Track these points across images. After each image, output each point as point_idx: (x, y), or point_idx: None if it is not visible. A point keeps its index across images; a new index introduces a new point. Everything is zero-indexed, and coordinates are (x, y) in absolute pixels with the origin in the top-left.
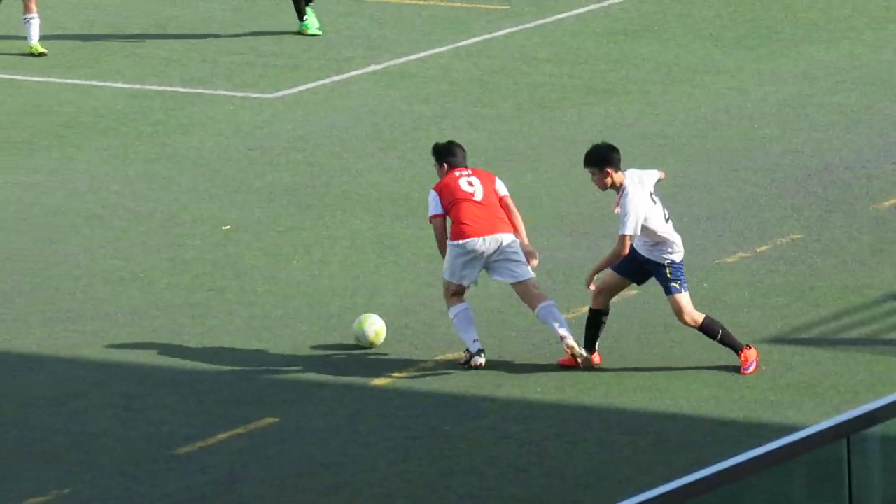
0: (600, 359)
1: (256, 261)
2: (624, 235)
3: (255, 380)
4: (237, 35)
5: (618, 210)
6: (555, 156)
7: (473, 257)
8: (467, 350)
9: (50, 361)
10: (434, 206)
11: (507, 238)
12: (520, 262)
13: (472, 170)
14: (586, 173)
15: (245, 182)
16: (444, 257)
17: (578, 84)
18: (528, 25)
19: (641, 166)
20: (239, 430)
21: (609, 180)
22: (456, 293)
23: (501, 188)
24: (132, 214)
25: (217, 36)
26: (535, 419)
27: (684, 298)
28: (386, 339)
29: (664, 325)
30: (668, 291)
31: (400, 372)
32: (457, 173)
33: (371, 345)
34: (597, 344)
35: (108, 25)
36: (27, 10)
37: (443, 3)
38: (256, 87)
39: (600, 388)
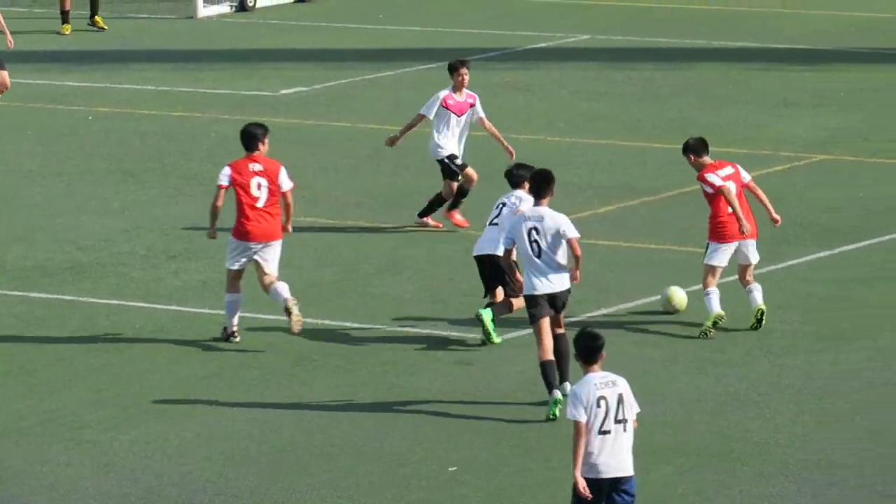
0: None
1: (481, 502)
2: None
3: None
4: (468, 275)
5: None
6: (782, 402)
7: None
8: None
9: None
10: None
11: None
12: None
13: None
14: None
15: (472, 424)
16: None
17: (808, 331)
18: (759, 271)
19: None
20: None
21: None
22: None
23: None
24: (360, 453)
25: (450, 278)
26: None
27: None
28: None
29: None
30: None
31: None
32: None
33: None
34: None
35: (342, 265)
36: (707, 284)
37: (675, 248)
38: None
39: None
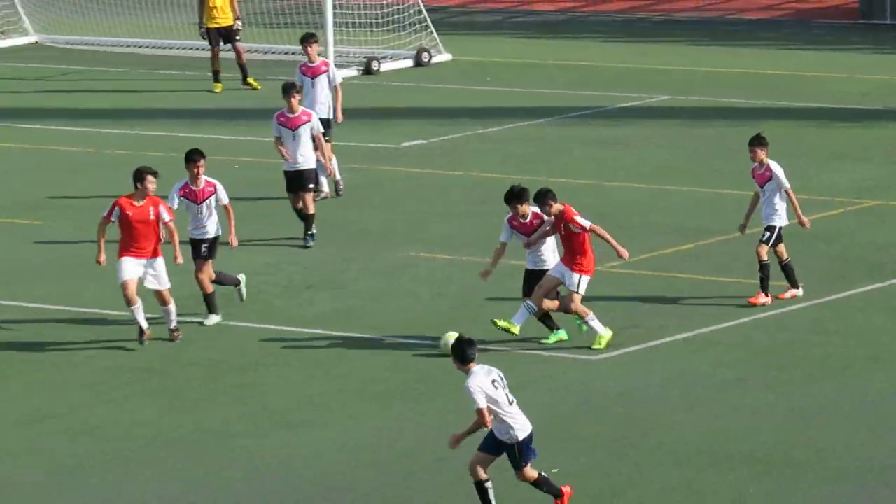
0: None
1: None
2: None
3: None
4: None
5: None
6: (839, 417)
7: None
8: None
9: None
10: None
11: None
12: None
13: None
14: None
15: (572, 431)
16: None
17: (863, 354)
18: (818, 301)
19: None
20: None
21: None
22: None
23: None
24: None
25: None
26: None
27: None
28: None
29: None
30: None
31: None
32: None
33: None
34: None
35: (458, 295)
36: (584, 312)
37: (744, 280)
38: (582, 350)
39: None
